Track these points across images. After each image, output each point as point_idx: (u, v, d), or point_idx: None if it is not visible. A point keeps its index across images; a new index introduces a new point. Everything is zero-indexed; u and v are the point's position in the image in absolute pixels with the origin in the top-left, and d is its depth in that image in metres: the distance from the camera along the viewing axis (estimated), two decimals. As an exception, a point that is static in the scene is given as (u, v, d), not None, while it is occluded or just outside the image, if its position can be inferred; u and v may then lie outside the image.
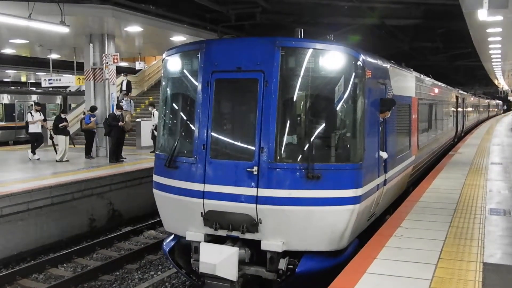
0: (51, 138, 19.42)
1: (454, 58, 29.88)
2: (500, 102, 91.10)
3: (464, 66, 33.54)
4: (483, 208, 9.27)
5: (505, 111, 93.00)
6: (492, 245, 7.00)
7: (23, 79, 46.59)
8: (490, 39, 17.22)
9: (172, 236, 8.12)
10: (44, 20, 14.21)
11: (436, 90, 17.35)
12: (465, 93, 33.95)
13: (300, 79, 7.18)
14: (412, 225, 7.98)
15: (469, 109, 34.85)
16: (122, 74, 26.74)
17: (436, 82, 18.06)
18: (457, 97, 24.91)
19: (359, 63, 7.26)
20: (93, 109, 18.59)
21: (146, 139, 22.05)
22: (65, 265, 11.29)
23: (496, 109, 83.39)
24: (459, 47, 25.04)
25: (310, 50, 7.13)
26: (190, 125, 7.65)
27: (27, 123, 18.74)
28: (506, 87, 53.03)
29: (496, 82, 49.26)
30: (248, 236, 7.04)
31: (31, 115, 18.11)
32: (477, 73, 40.15)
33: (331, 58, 7.14)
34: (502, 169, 14.48)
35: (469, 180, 12.31)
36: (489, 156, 17.65)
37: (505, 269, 6.09)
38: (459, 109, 26.01)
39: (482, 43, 18.98)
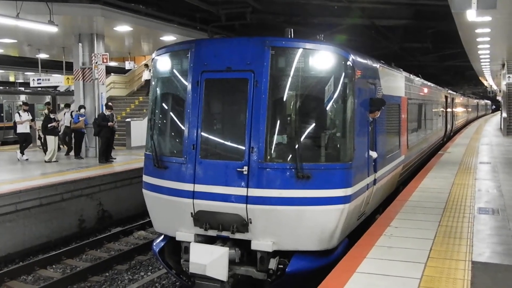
0: (40, 138, 19.28)
1: (444, 58, 30.06)
2: (489, 102, 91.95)
3: (454, 66, 33.76)
4: (472, 207, 9.33)
5: (493, 111, 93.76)
6: (481, 244, 7.04)
7: (12, 79, 46.22)
8: (478, 39, 17.37)
9: (162, 236, 8.08)
10: (32, 19, 14.09)
11: (426, 90, 17.45)
12: (454, 93, 34.18)
13: (290, 79, 7.18)
14: (401, 224, 8.02)
15: (458, 109, 35.10)
16: None
17: (425, 82, 18.16)
18: (446, 97, 25.06)
19: (348, 63, 7.27)
20: (80, 107, 18.50)
21: (136, 139, 21.96)
22: (54, 266, 11.21)
23: (485, 109, 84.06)
24: (448, 47, 25.19)
25: (300, 50, 7.13)
26: (180, 125, 7.62)
27: (15, 123, 18.59)
28: (494, 87, 53.43)
29: (485, 82, 49.64)
30: (238, 236, 7.03)
31: (19, 115, 17.96)
32: (466, 73, 40.44)
33: (321, 58, 7.15)
34: (490, 169, 14.59)
35: (458, 180, 12.38)
36: (477, 156, 17.78)
37: (493, 267, 6.13)
38: (448, 109, 26.18)
39: (471, 44, 19.13)
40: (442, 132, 23.23)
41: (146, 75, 28.29)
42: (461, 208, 9.24)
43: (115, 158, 17.89)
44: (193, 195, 7.18)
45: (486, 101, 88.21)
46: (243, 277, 7.22)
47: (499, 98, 49.37)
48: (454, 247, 6.82)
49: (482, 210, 9.07)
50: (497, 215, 8.76)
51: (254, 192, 6.87)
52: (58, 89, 35.19)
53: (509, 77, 26.51)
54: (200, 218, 7.18)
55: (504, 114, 30.30)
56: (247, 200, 6.88)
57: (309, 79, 7.30)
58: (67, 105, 20.58)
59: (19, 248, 11.71)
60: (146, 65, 28.32)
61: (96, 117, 17.97)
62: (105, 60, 18.54)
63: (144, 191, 8.04)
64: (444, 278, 5.70)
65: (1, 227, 11.30)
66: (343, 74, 7.24)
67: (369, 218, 8.99)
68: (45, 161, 17.12)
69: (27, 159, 17.66)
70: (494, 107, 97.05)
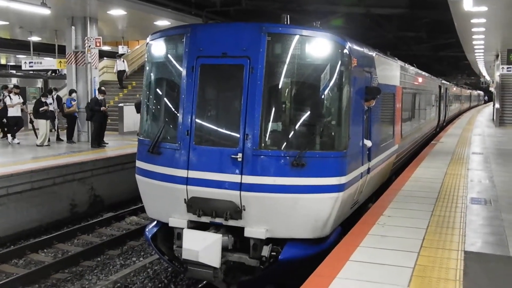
0: (31, 122, 19.12)
1: (438, 48, 30.10)
2: (481, 92, 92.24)
3: (448, 56, 33.83)
4: (464, 197, 9.37)
5: (486, 102, 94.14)
6: (473, 234, 7.08)
7: (3, 61, 45.77)
8: (474, 29, 17.39)
9: (155, 222, 8.06)
10: (24, 1, 13.89)
11: (420, 80, 17.44)
12: (448, 83, 34.22)
13: (286, 66, 7.12)
14: (394, 214, 8.05)
15: (451, 99, 35.16)
16: None
17: (420, 71, 18.15)
18: (440, 87, 25.09)
19: (345, 51, 7.22)
20: (71, 91, 18.33)
21: (129, 124, 21.83)
22: (45, 250, 11.18)
23: (477, 100, 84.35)
24: (443, 37, 25.23)
25: (297, 37, 7.07)
26: (174, 110, 7.56)
27: (5, 106, 18.37)
28: (488, 78, 53.64)
29: (478, 73, 49.80)
30: (231, 223, 7.01)
31: (10, 98, 17.76)
32: (460, 63, 40.55)
33: (317, 45, 7.08)
34: (483, 159, 14.66)
35: (451, 170, 12.43)
36: (470, 146, 17.86)
37: (485, 257, 6.17)
38: (442, 99, 26.22)
39: (465, 34, 19.16)
40: (435, 122, 23.28)
41: (119, 66, 27.08)
42: (453, 198, 9.28)
43: (107, 143, 17.79)
44: (187, 181, 7.14)
45: (479, 91, 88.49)
46: (235, 264, 7.21)
47: (491, 89, 49.63)
48: (447, 237, 6.85)
49: (474, 200, 9.12)
50: (489, 206, 8.81)
51: (248, 179, 6.84)
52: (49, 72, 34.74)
53: (502, 68, 26.58)
54: (193, 205, 7.15)
55: (497, 105, 30.42)
56: (241, 187, 6.86)
57: (305, 66, 7.24)
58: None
59: (10, 231, 11.64)
60: (119, 56, 27.48)
61: (89, 101, 17.82)
62: (98, 44, 18.33)
63: (137, 176, 7.99)
64: (437, 267, 5.72)
65: (-8, 211, 11.24)
66: (340, 62, 7.19)
67: (362, 207, 9.01)
68: (37, 145, 16.99)
69: (18, 143, 17.51)
70: (486, 98, 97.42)
